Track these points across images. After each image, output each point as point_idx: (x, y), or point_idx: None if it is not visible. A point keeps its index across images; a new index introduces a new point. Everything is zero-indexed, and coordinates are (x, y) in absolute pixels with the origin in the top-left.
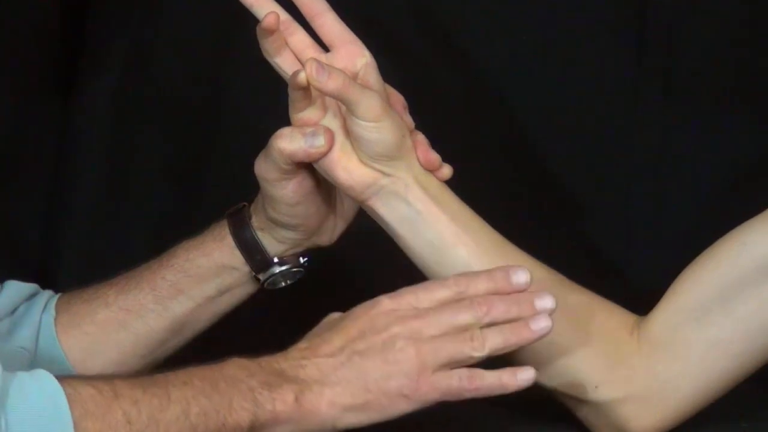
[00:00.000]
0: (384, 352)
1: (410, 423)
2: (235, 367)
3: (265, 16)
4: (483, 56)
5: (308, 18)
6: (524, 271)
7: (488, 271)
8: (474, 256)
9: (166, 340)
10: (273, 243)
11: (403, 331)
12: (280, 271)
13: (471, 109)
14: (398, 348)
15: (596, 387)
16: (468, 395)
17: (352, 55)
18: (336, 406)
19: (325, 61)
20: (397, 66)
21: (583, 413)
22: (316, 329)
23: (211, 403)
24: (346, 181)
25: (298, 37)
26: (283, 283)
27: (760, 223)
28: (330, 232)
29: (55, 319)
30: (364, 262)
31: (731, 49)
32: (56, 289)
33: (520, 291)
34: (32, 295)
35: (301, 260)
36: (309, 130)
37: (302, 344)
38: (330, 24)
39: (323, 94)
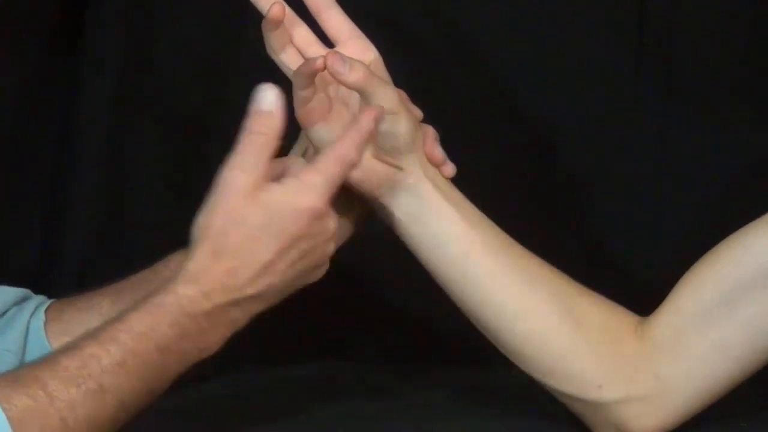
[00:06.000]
0: (315, 259)
1: (409, 422)
2: (169, 332)
3: (271, 6)
4: (484, 55)
5: (314, 13)
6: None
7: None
8: (481, 254)
9: None
10: None
11: (332, 225)
12: None
13: (471, 109)
14: (328, 251)
15: (599, 387)
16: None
17: (360, 50)
18: (258, 310)
19: None
20: (402, 63)
21: (585, 413)
22: (242, 237)
23: (144, 385)
24: (359, 177)
25: (302, 33)
26: None
27: (763, 225)
28: None
29: (47, 325)
30: (364, 261)
31: (731, 49)
32: (55, 293)
33: None
34: (23, 300)
35: None
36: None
37: (242, 271)
38: (336, 19)
39: (344, 86)
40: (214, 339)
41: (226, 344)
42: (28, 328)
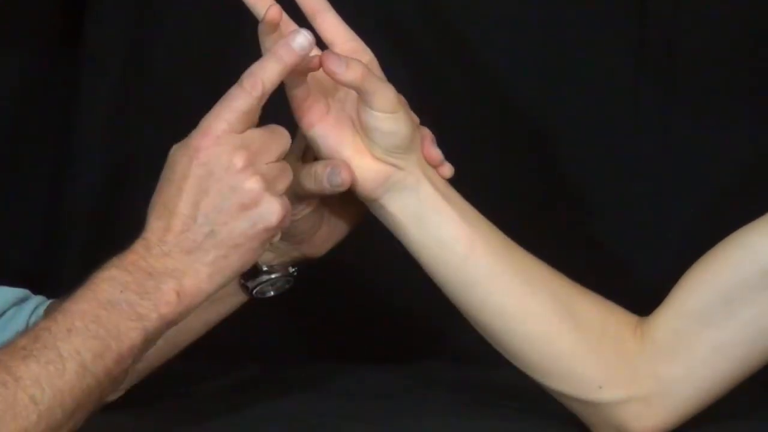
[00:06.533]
0: (236, 198)
1: (409, 422)
2: (107, 286)
3: (268, 9)
4: (484, 56)
5: (309, 16)
6: (300, 33)
7: (272, 54)
8: (480, 255)
9: (157, 348)
10: None
11: (238, 159)
12: (269, 280)
13: (471, 109)
14: (248, 187)
15: (600, 387)
16: None
17: (355, 52)
18: (215, 276)
19: None
20: (401, 64)
21: (584, 413)
22: (155, 194)
23: (101, 342)
24: (359, 178)
25: None
26: (272, 293)
27: (763, 225)
28: (320, 246)
29: None
30: (363, 261)
31: (731, 49)
32: (55, 293)
33: (308, 52)
34: (22, 300)
35: (290, 270)
36: (328, 169)
37: (153, 223)
38: (330, 22)
39: (341, 84)
40: (164, 290)
41: (226, 344)
42: (27, 328)
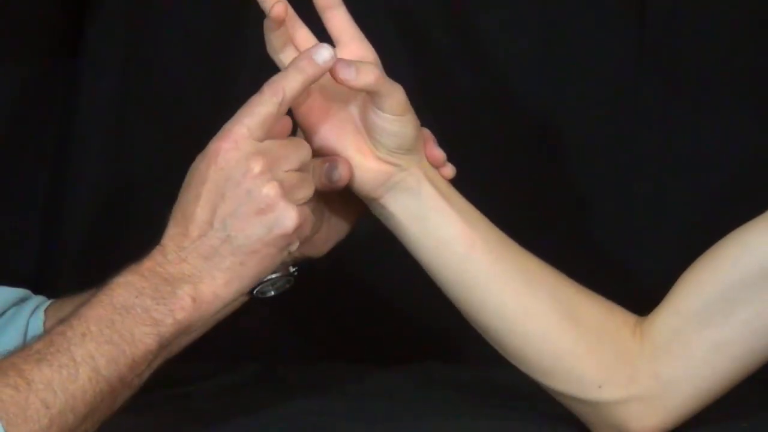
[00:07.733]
0: (252, 203)
1: (409, 422)
2: (122, 291)
3: (273, 5)
4: (485, 57)
5: (320, 10)
6: (323, 47)
7: (294, 65)
8: (481, 255)
9: None
10: None
11: (255, 164)
12: (269, 280)
13: (471, 109)
14: (264, 192)
15: (600, 387)
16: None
17: (361, 51)
18: (232, 283)
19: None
20: (403, 64)
21: (584, 413)
22: (176, 203)
23: (115, 347)
24: (360, 177)
25: (302, 34)
26: (272, 292)
27: (763, 223)
28: (321, 246)
29: (46, 325)
30: (363, 262)
31: (731, 49)
32: (55, 293)
33: (330, 66)
34: (22, 300)
35: (291, 269)
36: (327, 165)
37: (171, 230)
38: (339, 19)
39: (354, 89)
40: (179, 295)
41: (226, 344)
42: (27, 328)
